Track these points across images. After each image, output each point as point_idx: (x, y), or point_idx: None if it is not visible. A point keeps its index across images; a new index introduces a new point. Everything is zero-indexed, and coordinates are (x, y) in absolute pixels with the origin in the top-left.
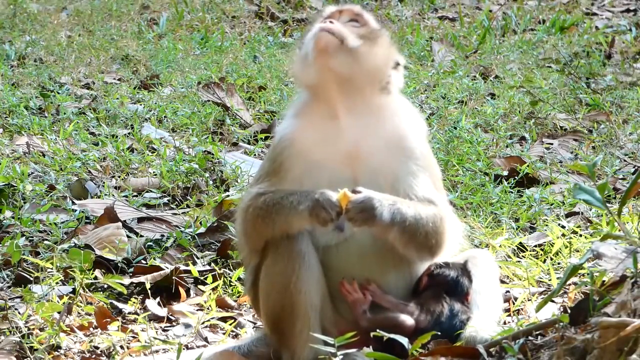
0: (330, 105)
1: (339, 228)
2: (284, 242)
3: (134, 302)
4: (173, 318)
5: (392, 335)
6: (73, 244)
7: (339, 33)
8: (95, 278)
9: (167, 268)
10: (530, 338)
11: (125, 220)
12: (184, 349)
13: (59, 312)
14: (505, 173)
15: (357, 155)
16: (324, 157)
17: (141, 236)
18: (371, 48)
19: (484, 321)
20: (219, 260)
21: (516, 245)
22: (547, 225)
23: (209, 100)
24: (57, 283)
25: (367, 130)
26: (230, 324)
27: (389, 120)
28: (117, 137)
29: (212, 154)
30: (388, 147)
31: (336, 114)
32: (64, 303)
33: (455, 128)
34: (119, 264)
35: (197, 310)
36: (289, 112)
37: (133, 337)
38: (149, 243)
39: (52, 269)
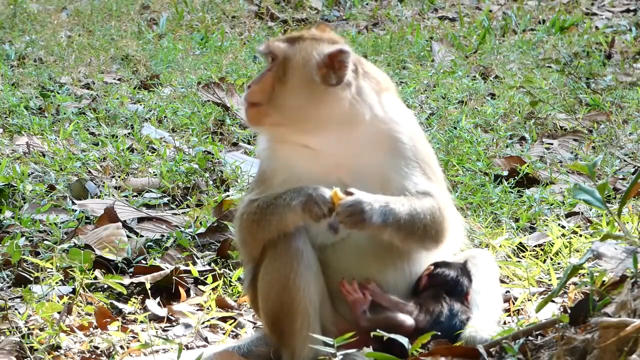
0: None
1: (333, 229)
2: (281, 241)
3: (134, 302)
4: (173, 318)
5: (392, 335)
6: (73, 244)
7: (250, 100)
8: (95, 278)
9: (167, 268)
10: (530, 338)
11: (125, 220)
12: (184, 349)
13: (59, 312)
14: (505, 173)
15: (340, 165)
16: (308, 171)
17: (141, 236)
18: (285, 83)
19: (483, 321)
20: (219, 260)
21: (516, 245)
22: (547, 225)
23: (209, 100)
24: (57, 283)
25: (344, 142)
26: (230, 324)
27: (366, 122)
28: (117, 137)
29: (212, 154)
30: (371, 149)
31: (306, 143)
32: (64, 303)
33: (455, 128)
34: (119, 264)
35: (197, 310)
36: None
37: (133, 337)
38: (149, 243)
39: (52, 269)
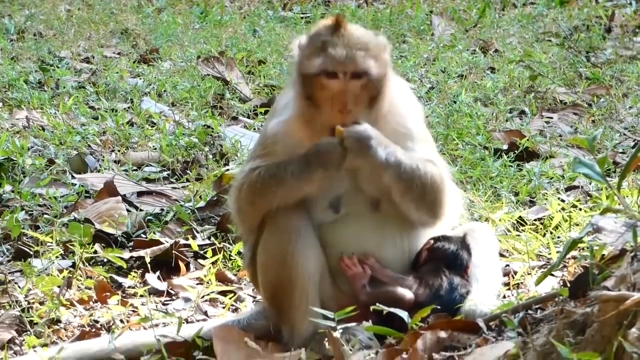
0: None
1: (334, 209)
2: (280, 216)
3: (134, 276)
4: (173, 292)
5: (392, 309)
6: (73, 218)
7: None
8: (95, 252)
9: (167, 242)
10: (529, 312)
11: (124, 194)
12: (183, 322)
13: (58, 286)
14: (505, 147)
15: None
16: None
17: (141, 210)
18: (384, 93)
19: (483, 295)
20: (218, 234)
21: (516, 219)
22: (546, 199)
23: (208, 74)
24: (57, 257)
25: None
26: (230, 298)
27: (384, 106)
28: (116, 111)
29: (212, 128)
30: (386, 133)
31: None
32: (63, 277)
33: (455, 102)
34: (118, 238)
35: (197, 284)
36: (282, 106)
37: (133, 311)
38: (148, 217)
39: (52, 243)
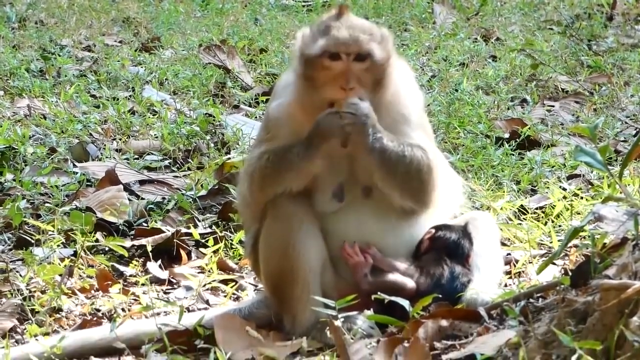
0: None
1: (338, 198)
2: (283, 206)
3: (135, 265)
4: (174, 281)
5: (393, 298)
6: (74, 207)
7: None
8: (97, 241)
9: (168, 231)
10: (531, 300)
11: (126, 183)
12: (185, 311)
13: (60, 275)
14: (507, 135)
15: None
16: None
17: (142, 199)
18: (387, 79)
19: (484, 283)
20: (220, 222)
21: (517, 208)
22: (548, 187)
23: (210, 63)
24: (58, 246)
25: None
26: (232, 287)
27: (387, 93)
28: (118, 99)
29: (213, 117)
30: (385, 118)
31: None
32: (65, 266)
33: (457, 90)
34: (120, 227)
35: (198, 272)
36: (282, 87)
37: (134, 299)
38: (150, 206)
39: (53, 231)
